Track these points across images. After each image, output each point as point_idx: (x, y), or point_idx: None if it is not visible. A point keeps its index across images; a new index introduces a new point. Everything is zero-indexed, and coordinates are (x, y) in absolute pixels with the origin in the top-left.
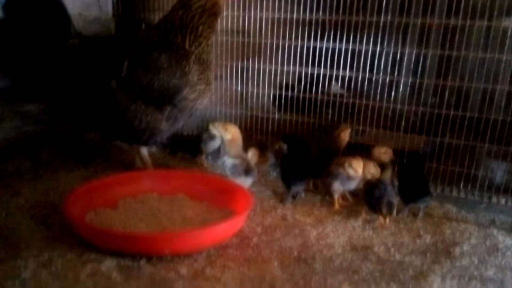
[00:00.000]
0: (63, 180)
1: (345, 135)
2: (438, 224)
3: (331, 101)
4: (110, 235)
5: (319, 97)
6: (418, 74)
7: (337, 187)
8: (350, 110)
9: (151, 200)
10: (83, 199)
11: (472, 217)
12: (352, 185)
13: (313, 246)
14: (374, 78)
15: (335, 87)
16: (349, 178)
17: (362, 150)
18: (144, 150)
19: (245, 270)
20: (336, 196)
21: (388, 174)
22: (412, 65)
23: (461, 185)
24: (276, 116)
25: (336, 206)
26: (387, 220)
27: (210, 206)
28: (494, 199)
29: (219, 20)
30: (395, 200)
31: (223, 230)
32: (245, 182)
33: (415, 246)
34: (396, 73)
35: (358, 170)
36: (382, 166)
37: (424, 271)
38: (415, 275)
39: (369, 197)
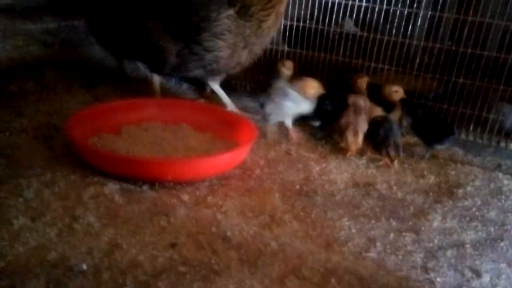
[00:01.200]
0: (66, 103)
1: (362, 83)
2: (443, 165)
3: (343, 35)
4: (113, 158)
5: (332, 30)
6: (439, 7)
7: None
8: (363, 45)
9: (155, 128)
10: (87, 122)
11: (478, 161)
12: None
13: (315, 181)
14: (391, 10)
15: (349, 24)
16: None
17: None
18: (156, 78)
19: (246, 200)
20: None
21: (397, 114)
22: None
23: (470, 128)
24: (286, 48)
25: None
26: (395, 162)
27: (214, 137)
28: (502, 144)
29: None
30: (401, 141)
31: (226, 159)
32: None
33: (418, 185)
34: (415, 5)
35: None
36: (391, 105)
37: (425, 209)
38: (415, 212)
39: (373, 136)
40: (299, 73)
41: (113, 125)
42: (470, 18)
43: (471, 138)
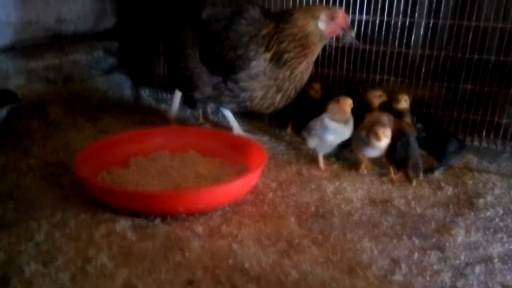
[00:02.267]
0: (72, 139)
1: (372, 98)
2: (459, 175)
3: (346, 49)
4: (124, 194)
5: (333, 45)
6: (433, 14)
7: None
8: (366, 58)
9: (163, 157)
10: (94, 158)
11: (494, 167)
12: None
13: (330, 201)
14: (392, 21)
15: (347, 37)
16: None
17: None
18: (177, 97)
19: (261, 226)
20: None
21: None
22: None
23: (483, 134)
24: None
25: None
26: (414, 182)
27: (223, 162)
28: None
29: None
30: (420, 160)
31: (238, 186)
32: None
33: (436, 198)
34: (413, 15)
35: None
36: (400, 114)
37: (447, 224)
38: (437, 228)
39: (391, 152)
40: None
41: (121, 158)
42: (470, 23)
43: (484, 144)
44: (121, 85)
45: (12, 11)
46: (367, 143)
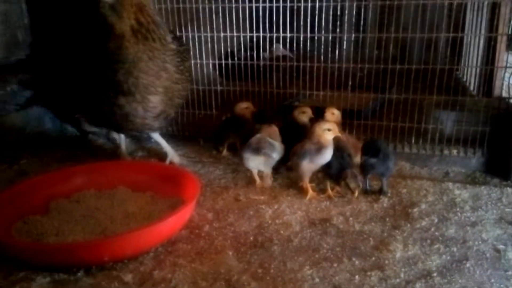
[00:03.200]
0: None
1: (298, 115)
2: (393, 184)
3: (274, 66)
4: (38, 249)
5: (262, 62)
6: (361, 29)
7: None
8: (295, 74)
9: (88, 197)
10: (9, 206)
11: (426, 172)
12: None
13: (269, 227)
14: (316, 37)
15: (278, 48)
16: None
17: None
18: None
19: (197, 266)
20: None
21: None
22: (353, 19)
23: (413, 140)
24: (219, 88)
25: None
26: (356, 193)
27: (155, 197)
28: (446, 151)
29: None
30: (356, 170)
31: (170, 224)
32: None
33: (373, 212)
34: (338, 30)
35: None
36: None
37: (385, 239)
38: (376, 244)
39: (328, 167)
40: None
41: (40, 203)
42: (392, 35)
43: (415, 150)
44: (40, 119)
45: None
46: (315, 150)
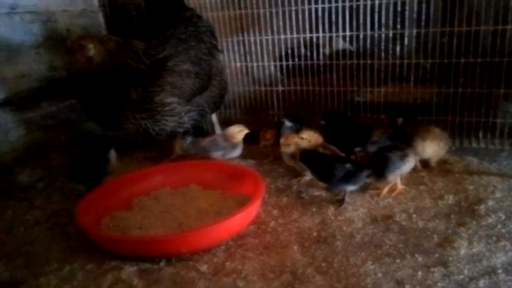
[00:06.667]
0: (76, 184)
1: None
2: (459, 180)
3: (334, 64)
4: (125, 242)
5: (322, 62)
6: (422, 24)
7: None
8: (355, 72)
9: (164, 195)
10: (97, 203)
11: (495, 167)
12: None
13: (332, 223)
14: (376, 35)
15: (338, 42)
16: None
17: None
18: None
19: (265, 259)
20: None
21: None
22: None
23: (480, 135)
24: (280, 88)
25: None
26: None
27: (224, 194)
28: None
29: None
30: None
31: (239, 220)
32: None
33: (437, 209)
34: (399, 26)
35: None
36: None
37: (449, 236)
38: (440, 241)
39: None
40: None
41: (123, 200)
42: (456, 29)
43: (483, 145)
44: None
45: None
46: None
